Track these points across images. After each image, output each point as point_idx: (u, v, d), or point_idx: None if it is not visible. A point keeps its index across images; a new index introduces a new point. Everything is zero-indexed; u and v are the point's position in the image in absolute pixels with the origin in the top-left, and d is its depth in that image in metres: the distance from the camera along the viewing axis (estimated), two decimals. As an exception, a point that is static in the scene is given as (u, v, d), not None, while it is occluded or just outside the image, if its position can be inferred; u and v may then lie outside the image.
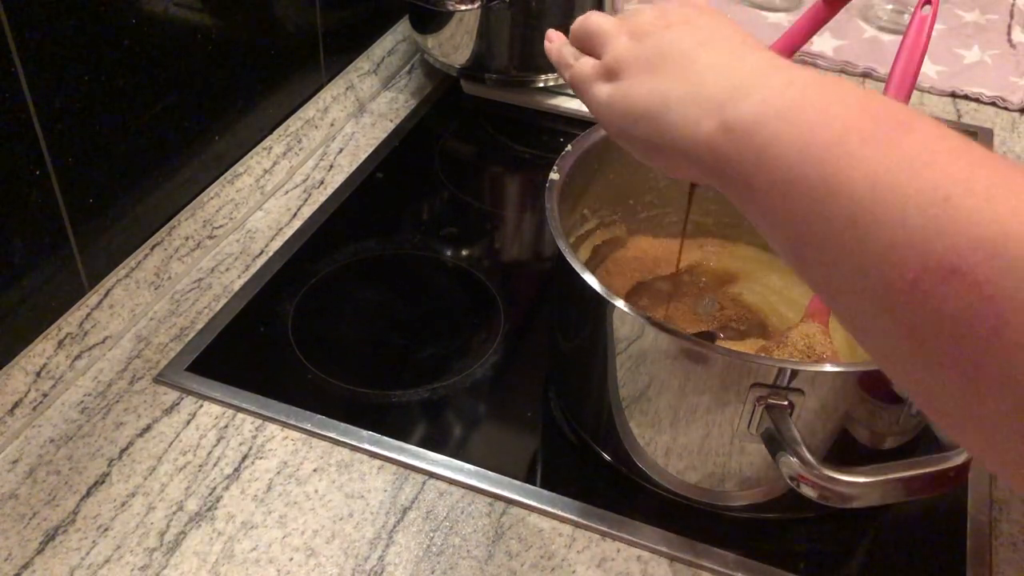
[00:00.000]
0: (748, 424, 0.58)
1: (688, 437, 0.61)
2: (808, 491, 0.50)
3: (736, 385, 0.57)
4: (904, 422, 0.60)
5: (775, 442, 0.55)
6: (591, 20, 0.52)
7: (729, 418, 0.59)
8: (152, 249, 0.81)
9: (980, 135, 1.06)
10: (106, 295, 0.76)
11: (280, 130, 0.96)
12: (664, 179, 0.78)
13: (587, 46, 0.51)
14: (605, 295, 0.59)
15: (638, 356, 0.61)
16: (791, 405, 0.56)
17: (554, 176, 0.69)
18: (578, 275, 0.61)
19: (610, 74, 0.48)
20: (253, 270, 0.84)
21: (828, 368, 0.57)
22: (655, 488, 0.67)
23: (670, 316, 0.76)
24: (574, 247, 0.63)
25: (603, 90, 0.48)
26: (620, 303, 0.59)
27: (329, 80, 1.03)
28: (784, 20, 1.24)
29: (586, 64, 0.50)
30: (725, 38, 0.46)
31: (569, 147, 0.71)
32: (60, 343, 0.72)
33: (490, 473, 0.67)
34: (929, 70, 1.16)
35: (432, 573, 0.62)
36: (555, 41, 0.55)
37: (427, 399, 0.73)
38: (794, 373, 0.56)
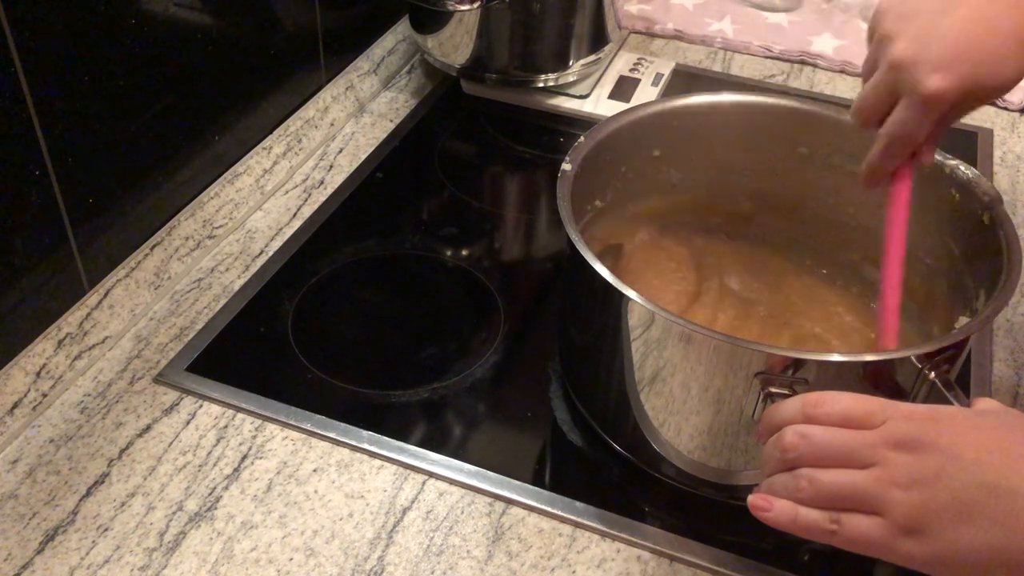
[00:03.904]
0: (753, 412, 0.58)
1: (700, 417, 0.62)
2: None
3: (741, 373, 0.58)
4: None
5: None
6: (815, 438, 0.47)
7: (737, 404, 0.59)
8: (152, 249, 0.81)
9: (980, 135, 1.06)
10: (106, 295, 0.76)
11: (280, 130, 0.96)
12: (678, 177, 0.78)
13: (826, 476, 0.46)
14: (617, 285, 0.60)
15: (652, 342, 0.61)
16: (794, 394, 0.56)
17: (566, 167, 0.69)
18: (590, 266, 0.61)
19: (909, 530, 0.44)
20: (253, 270, 0.84)
21: (832, 358, 0.57)
22: (662, 476, 0.67)
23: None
24: (584, 238, 0.63)
25: (912, 549, 0.44)
26: (632, 293, 0.59)
27: (329, 80, 1.03)
28: (784, 20, 1.24)
29: (861, 526, 0.45)
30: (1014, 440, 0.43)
31: (582, 138, 0.71)
32: (60, 343, 0.72)
33: (490, 473, 0.67)
34: (929, 70, 1.16)
35: (432, 573, 0.62)
36: (774, 507, 0.48)
37: (427, 399, 0.73)
38: (798, 363, 0.56)
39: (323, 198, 0.93)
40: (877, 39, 0.61)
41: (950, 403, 0.56)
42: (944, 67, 0.57)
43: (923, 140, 0.61)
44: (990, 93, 0.59)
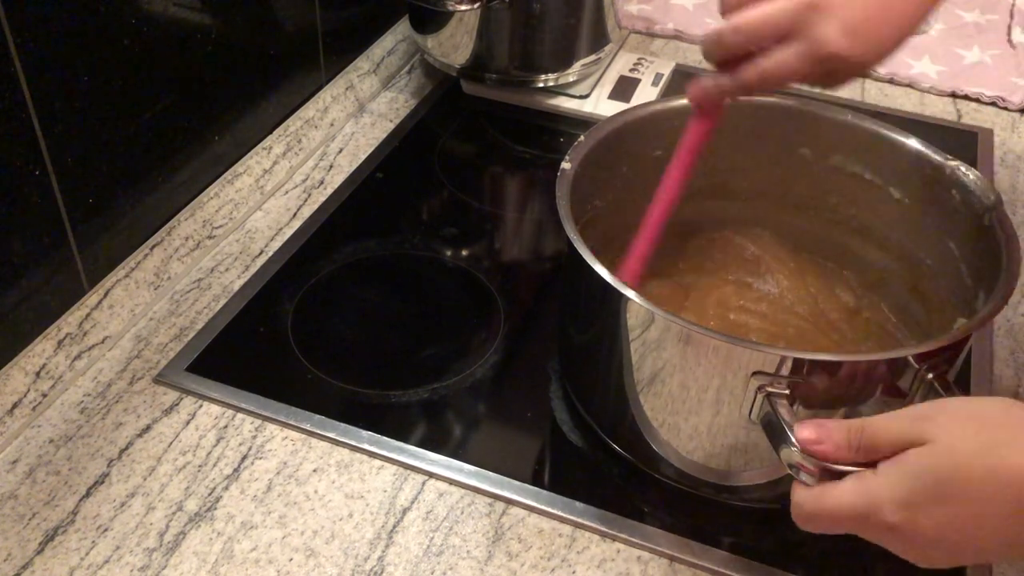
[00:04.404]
0: (750, 412, 0.58)
1: (699, 417, 0.62)
2: (807, 479, 0.51)
3: (740, 373, 0.58)
4: None
5: (775, 430, 0.55)
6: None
7: (736, 404, 0.59)
8: (152, 249, 0.81)
9: (980, 135, 1.06)
10: (106, 295, 0.76)
11: (280, 130, 0.96)
12: None
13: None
14: (616, 285, 0.59)
15: (650, 343, 0.61)
16: (792, 394, 0.56)
17: (566, 165, 0.68)
18: (588, 266, 0.61)
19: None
20: (253, 270, 0.84)
21: (828, 358, 0.57)
22: (662, 476, 0.67)
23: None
24: (583, 238, 0.63)
25: None
26: (631, 293, 0.59)
27: (329, 80, 1.03)
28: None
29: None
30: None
31: (582, 137, 0.71)
32: (60, 343, 0.72)
33: (490, 473, 0.67)
34: (929, 70, 1.16)
35: (432, 573, 0.62)
36: None
37: (427, 399, 0.73)
38: (796, 363, 0.56)
39: (323, 198, 0.93)
40: None
41: None
42: (853, 33, 0.56)
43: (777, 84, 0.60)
44: (853, 72, 0.59)
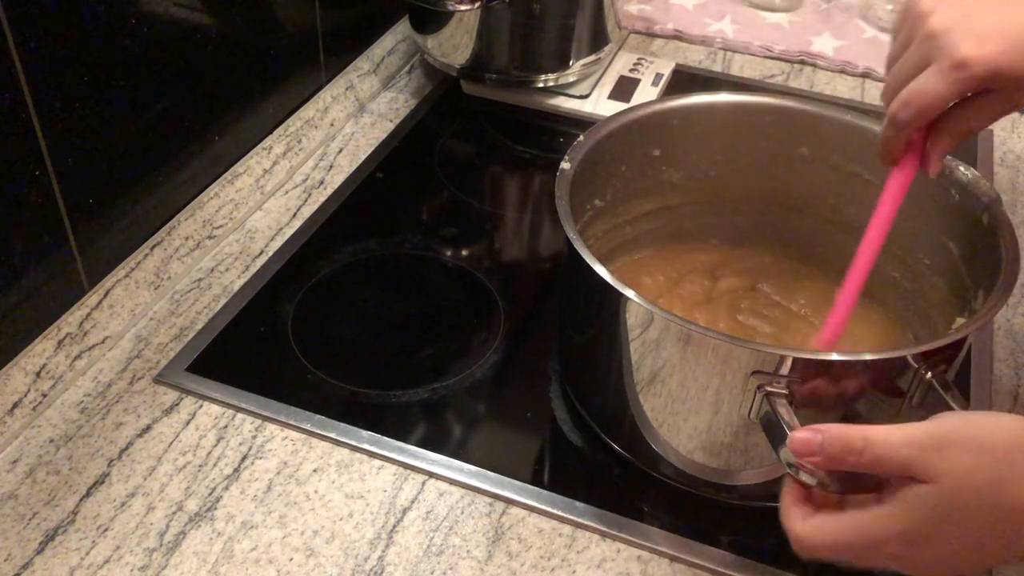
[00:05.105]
0: (749, 412, 0.58)
1: (699, 417, 0.62)
2: (807, 478, 0.51)
3: (739, 373, 0.58)
4: (905, 414, 0.60)
5: (774, 430, 0.55)
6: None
7: (735, 403, 0.59)
8: (152, 249, 0.81)
9: (980, 135, 1.06)
10: (106, 295, 0.76)
11: (280, 130, 0.96)
12: (677, 176, 0.78)
13: None
14: (616, 285, 0.59)
15: (650, 343, 0.61)
16: (791, 394, 0.56)
17: (565, 165, 0.68)
18: (588, 265, 0.61)
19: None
20: (253, 270, 0.84)
21: (827, 357, 0.57)
22: (662, 476, 0.67)
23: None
24: (583, 238, 0.63)
25: None
26: (631, 293, 0.59)
27: (329, 80, 1.03)
28: (784, 20, 1.24)
29: None
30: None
31: (581, 137, 0.71)
32: (60, 343, 0.73)
33: (490, 473, 0.67)
34: (929, 70, 1.16)
35: (432, 573, 0.62)
36: None
37: (427, 399, 0.73)
38: (794, 362, 0.56)
39: (323, 198, 0.93)
40: (914, 16, 0.59)
41: (947, 404, 0.56)
42: (982, 36, 0.55)
43: (934, 115, 0.59)
44: (1019, 82, 0.56)
